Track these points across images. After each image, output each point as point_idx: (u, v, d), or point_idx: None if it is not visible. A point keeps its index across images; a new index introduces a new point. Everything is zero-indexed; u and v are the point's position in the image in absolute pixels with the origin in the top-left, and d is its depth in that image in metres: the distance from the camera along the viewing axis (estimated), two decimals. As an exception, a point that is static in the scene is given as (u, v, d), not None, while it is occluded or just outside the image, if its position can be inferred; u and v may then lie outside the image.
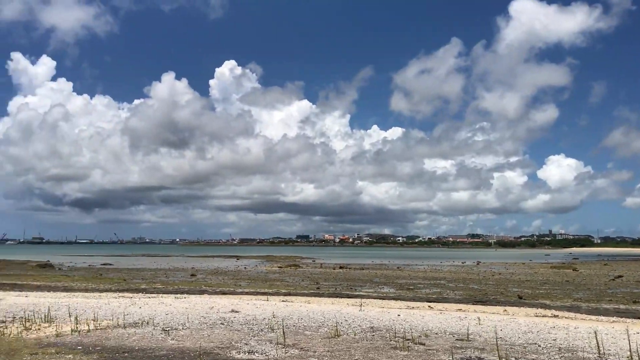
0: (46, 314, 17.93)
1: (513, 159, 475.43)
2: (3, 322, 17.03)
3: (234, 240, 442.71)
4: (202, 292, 34.10)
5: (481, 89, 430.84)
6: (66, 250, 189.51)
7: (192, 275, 62.25)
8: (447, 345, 13.67)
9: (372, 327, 16.53)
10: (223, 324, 16.74)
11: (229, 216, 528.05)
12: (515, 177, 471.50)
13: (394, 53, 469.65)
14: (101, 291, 33.85)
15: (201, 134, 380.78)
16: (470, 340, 14.49)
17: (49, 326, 16.03)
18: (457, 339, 14.77)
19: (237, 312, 19.59)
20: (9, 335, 14.20)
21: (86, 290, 34.96)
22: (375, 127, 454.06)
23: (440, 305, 26.95)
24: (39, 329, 15.46)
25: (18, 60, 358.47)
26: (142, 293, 31.94)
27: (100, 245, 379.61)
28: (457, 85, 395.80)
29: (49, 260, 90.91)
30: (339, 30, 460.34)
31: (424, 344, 13.82)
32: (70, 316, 17.89)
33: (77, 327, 15.28)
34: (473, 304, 28.92)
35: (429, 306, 26.35)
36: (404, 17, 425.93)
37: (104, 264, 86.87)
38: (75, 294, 29.78)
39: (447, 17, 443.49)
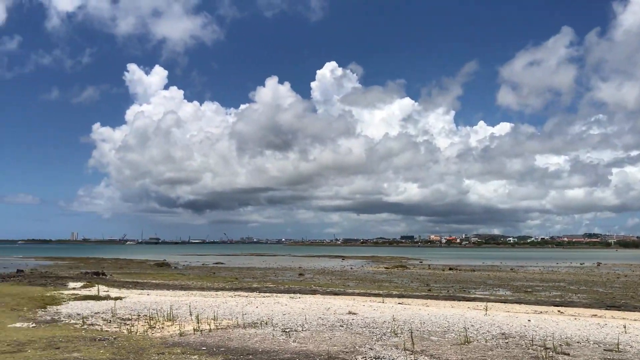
0: (168, 312, 18.22)
1: (634, 153, 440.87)
2: (129, 319, 17.47)
3: (338, 240, 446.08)
4: (313, 292, 33.87)
5: (596, 79, 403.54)
6: (180, 250, 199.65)
7: (300, 274, 62.79)
8: (595, 357, 12.15)
9: (503, 334, 15.19)
10: (342, 326, 16.11)
11: (332, 216, 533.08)
12: (637, 173, 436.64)
13: (500, 45, 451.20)
14: (216, 290, 34.60)
15: (304, 135, 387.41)
16: (621, 352, 12.83)
17: (172, 325, 16.18)
18: (605, 349, 13.13)
19: (354, 314, 18.91)
20: (136, 333, 14.40)
21: (202, 288, 35.89)
22: (481, 123, 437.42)
23: (571, 310, 24.83)
24: (162, 328, 15.62)
25: (134, 72, 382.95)
26: (257, 292, 32.23)
27: (211, 244, 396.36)
28: (569, 77, 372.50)
29: (165, 260, 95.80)
30: (440, 25, 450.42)
31: (568, 354, 12.37)
32: (191, 315, 18.07)
33: (199, 327, 15.27)
34: (607, 309, 26.38)
35: (559, 311, 24.31)
36: (510, 7, 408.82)
37: (216, 263, 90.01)
38: (193, 293, 30.56)
39: (556, 5, 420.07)
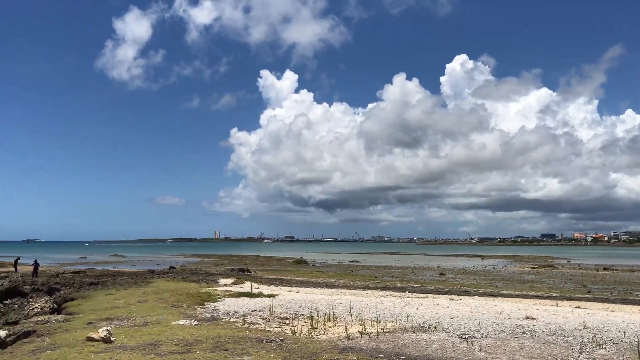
0: (326, 312, 17.18)
1: None
2: (287, 318, 16.66)
3: (473, 239, 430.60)
4: (466, 293, 31.57)
5: None
6: (313, 248, 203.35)
7: (441, 274, 60.26)
8: None
9: None
10: (525, 333, 13.98)
11: (465, 214, 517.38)
12: None
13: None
14: (363, 288, 33.48)
15: (433, 132, 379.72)
16: None
17: (333, 326, 15.06)
18: None
19: (532, 319, 16.61)
20: (300, 334, 13.41)
21: (348, 287, 34.98)
22: (629, 111, 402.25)
23: None
24: (325, 329, 14.53)
25: (266, 77, 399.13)
26: (406, 292, 30.59)
27: (342, 243, 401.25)
28: None
29: (302, 257, 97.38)
30: (578, 10, 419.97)
31: None
32: (351, 315, 16.88)
33: (364, 329, 13.98)
34: None
35: None
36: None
37: (351, 262, 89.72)
38: (341, 291, 29.64)
39: None
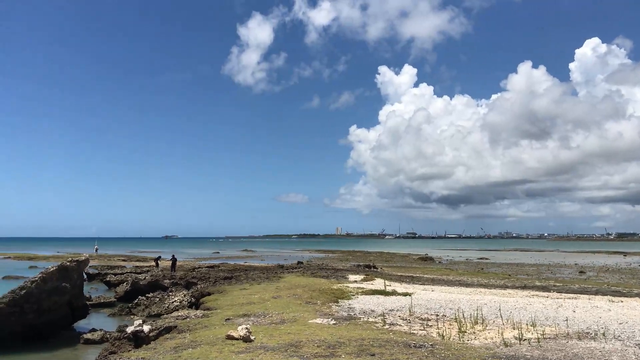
0: (472, 314, 15.72)
1: None
2: (428, 319, 15.44)
3: (610, 234, 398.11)
4: (620, 294, 28.28)
5: None
6: (437, 245, 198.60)
7: (581, 272, 55.60)
8: None
9: None
10: None
11: (601, 208, 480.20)
12: None
13: None
14: (500, 287, 31.22)
15: (563, 121, 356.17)
16: None
17: (483, 329, 13.61)
18: None
19: None
20: (449, 338, 12.15)
21: (483, 285, 32.84)
22: None
23: None
24: (474, 333, 13.13)
25: (384, 73, 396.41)
26: (555, 292, 27.98)
27: (467, 239, 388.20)
28: None
29: (427, 254, 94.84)
30: None
31: None
32: (501, 318, 15.28)
33: (521, 334, 12.39)
34: None
35: None
36: None
37: (480, 259, 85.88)
38: (479, 290, 27.75)
39: None
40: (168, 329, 12.55)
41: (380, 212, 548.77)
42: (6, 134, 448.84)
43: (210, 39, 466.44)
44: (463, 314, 15.60)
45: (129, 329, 12.23)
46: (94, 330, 20.59)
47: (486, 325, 14.08)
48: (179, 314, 14.41)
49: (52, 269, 19.87)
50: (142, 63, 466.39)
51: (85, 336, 19.58)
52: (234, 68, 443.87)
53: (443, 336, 12.35)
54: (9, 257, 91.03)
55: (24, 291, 18.72)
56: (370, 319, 14.98)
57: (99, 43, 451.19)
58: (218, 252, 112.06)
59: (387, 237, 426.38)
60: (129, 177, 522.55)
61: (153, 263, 51.37)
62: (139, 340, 12.10)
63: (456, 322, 14.59)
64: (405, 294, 21.63)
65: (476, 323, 14.41)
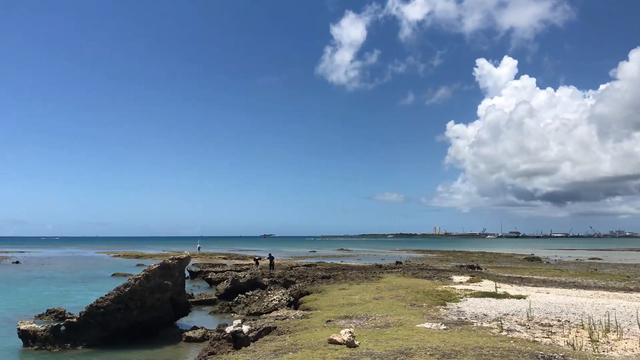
0: (601, 320, 13.90)
1: None
2: (549, 325, 13.80)
3: None
4: None
5: None
6: (543, 244, 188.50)
7: None
8: None
9: None
10: None
11: None
12: None
13: None
14: (622, 290, 28.33)
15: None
16: None
17: (618, 339, 11.85)
18: None
19: None
20: (580, 348, 10.59)
21: (602, 287, 29.99)
22: None
23: None
24: (608, 342, 11.44)
25: (482, 66, 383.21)
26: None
27: (575, 239, 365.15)
28: None
29: (533, 254, 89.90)
30: None
31: None
32: (638, 326, 13.36)
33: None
34: None
35: None
36: None
37: (591, 259, 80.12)
38: (601, 293, 25.23)
39: None
40: (267, 330, 11.92)
41: (481, 211, 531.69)
42: (120, 141, 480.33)
43: (304, 40, 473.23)
44: (591, 320, 13.82)
45: (228, 329, 11.72)
46: (195, 328, 20.60)
47: (621, 334, 12.28)
48: (278, 313, 13.79)
49: (154, 267, 20.05)
50: (239, 67, 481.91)
51: (186, 334, 19.59)
52: (327, 68, 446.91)
53: (573, 346, 10.79)
54: (119, 255, 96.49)
55: (128, 288, 18.98)
56: (485, 324, 13.59)
57: (198, 48, 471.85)
58: (314, 251, 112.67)
59: (488, 236, 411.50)
60: (231, 179, 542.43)
61: (252, 261, 52.06)
62: (238, 340, 11.55)
63: (584, 329, 12.91)
64: (519, 297, 19.84)
65: (608, 331, 12.63)
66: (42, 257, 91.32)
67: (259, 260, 47.97)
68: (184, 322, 22.83)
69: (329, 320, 12.63)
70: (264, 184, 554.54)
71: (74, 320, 18.39)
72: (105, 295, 19.02)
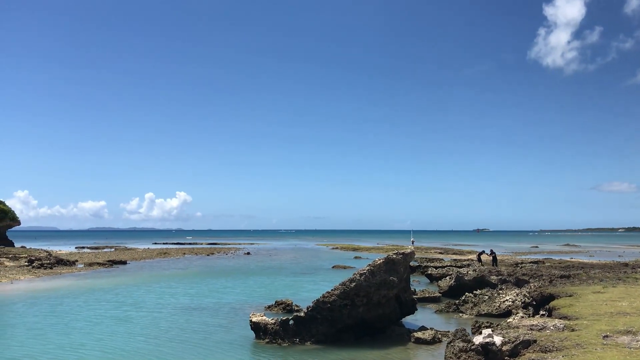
0: None
1: None
2: None
3: None
4: None
5: None
6: None
7: None
8: None
9: None
10: None
11: None
12: None
13: None
14: None
15: None
16: None
17: None
18: None
19: None
20: None
21: None
22: None
23: None
24: None
25: None
26: None
27: None
28: None
29: None
30: None
31: None
32: None
33: None
34: None
35: None
36: None
37: None
38: None
39: None
40: (526, 344, 9.70)
41: None
42: (333, 141, 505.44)
43: (514, 23, 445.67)
44: None
45: (477, 340, 9.78)
46: (424, 328, 19.00)
47: None
48: (533, 323, 11.42)
49: (379, 262, 18.89)
50: (444, 58, 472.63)
51: (415, 334, 18.07)
52: (541, 51, 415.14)
53: None
54: (337, 248, 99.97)
55: (354, 284, 18.06)
56: None
57: (388, 38, 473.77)
58: (537, 246, 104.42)
59: None
60: (442, 172, 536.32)
61: (470, 257, 49.05)
62: (489, 354, 9.55)
63: None
64: None
65: None
66: (269, 249, 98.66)
67: (481, 256, 44.74)
68: (409, 320, 21.40)
69: (606, 336, 9.93)
70: (475, 176, 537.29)
71: (302, 315, 18.01)
72: (331, 290, 18.35)
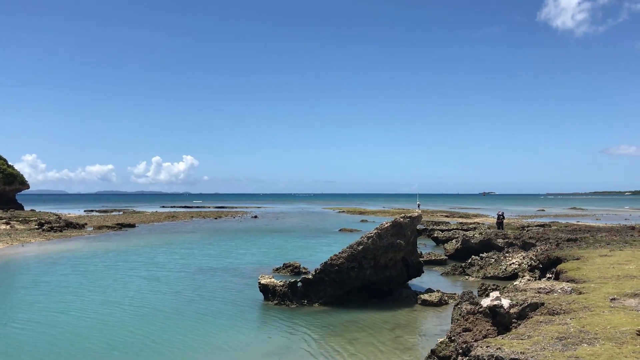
0: None
1: None
2: None
3: None
4: None
5: None
6: None
7: None
8: None
9: None
10: None
11: None
12: None
13: None
14: None
15: None
16: None
17: None
18: None
19: None
20: None
21: None
22: None
23: None
24: None
25: None
26: None
27: None
28: None
29: None
30: None
31: None
32: None
33: None
34: None
35: None
36: None
37: None
38: None
39: None
40: (533, 307, 9.77)
41: None
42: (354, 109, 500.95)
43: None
44: None
45: (485, 302, 9.85)
46: (430, 290, 19.21)
47: None
48: (540, 286, 11.47)
49: (386, 225, 18.97)
50: (456, 20, 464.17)
51: (422, 296, 18.28)
52: (551, 12, 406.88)
53: None
54: (343, 211, 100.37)
55: (361, 247, 18.18)
56: None
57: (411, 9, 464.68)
58: (543, 210, 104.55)
59: None
60: (450, 137, 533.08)
61: (477, 220, 48.89)
62: (497, 317, 9.64)
63: None
64: None
65: None
66: (277, 212, 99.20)
67: (503, 220, 43.02)
68: (415, 283, 21.65)
69: (614, 299, 10.00)
70: (483, 141, 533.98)
71: (310, 277, 18.20)
72: (339, 253, 18.49)
